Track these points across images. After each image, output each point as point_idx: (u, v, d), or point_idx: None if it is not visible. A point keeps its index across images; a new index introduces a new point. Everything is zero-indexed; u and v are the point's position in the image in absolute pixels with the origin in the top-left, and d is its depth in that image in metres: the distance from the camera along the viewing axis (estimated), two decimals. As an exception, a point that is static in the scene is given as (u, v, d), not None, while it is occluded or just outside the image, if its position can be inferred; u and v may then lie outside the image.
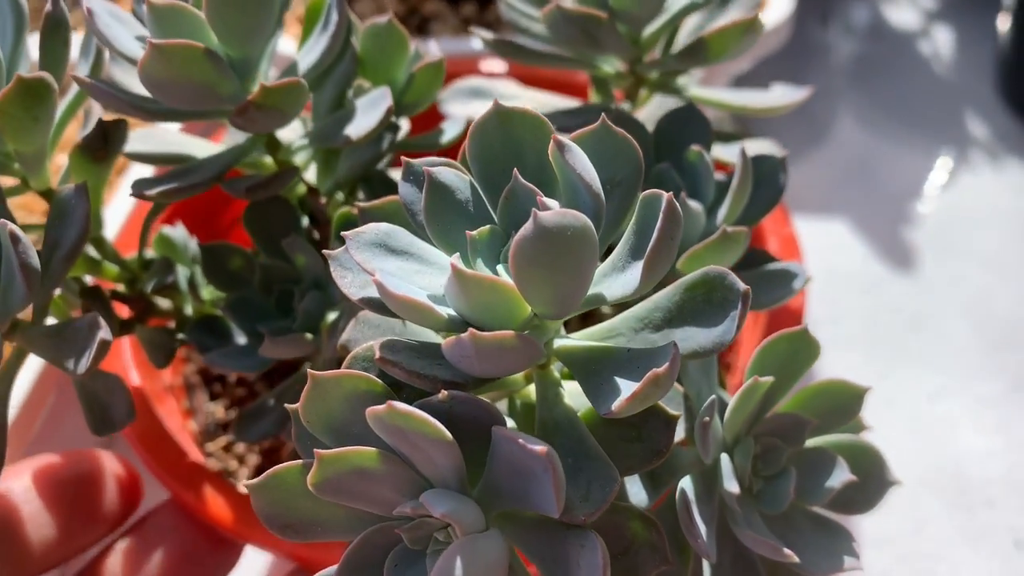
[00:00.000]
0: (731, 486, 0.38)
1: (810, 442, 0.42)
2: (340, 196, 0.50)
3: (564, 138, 0.32)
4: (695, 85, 0.55)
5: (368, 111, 0.43)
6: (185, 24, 0.40)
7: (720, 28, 0.46)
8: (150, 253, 0.51)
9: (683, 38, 0.53)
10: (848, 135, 1.10)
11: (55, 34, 0.43)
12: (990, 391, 0.85)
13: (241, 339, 0.47)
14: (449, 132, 0.51)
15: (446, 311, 0.32)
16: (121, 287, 0.50)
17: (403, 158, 0.36)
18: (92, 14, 0.40)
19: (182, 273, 0.50)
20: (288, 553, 0.50)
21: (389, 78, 0.48)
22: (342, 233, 0.34)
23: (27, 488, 0.49)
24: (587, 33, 0.47)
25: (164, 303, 0.50)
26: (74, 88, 0.47)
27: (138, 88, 0.45)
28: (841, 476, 0.39)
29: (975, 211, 1.01)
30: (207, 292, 0.51)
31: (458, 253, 0.34)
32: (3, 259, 0.38)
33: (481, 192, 0.35)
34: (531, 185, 0.34)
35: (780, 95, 0.54)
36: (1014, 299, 0.93)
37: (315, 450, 0.31)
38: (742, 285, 0.33)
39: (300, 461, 0.33)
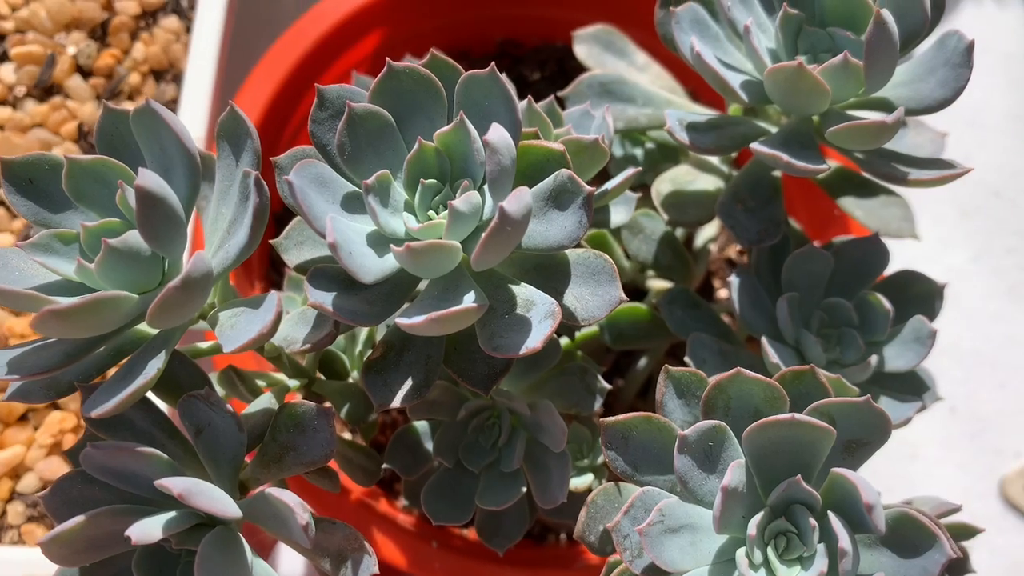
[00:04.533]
0: None
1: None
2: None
3: (874, 502, 0.36)
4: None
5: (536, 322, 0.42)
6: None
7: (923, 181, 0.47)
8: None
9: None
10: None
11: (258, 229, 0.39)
12: (956, 261, 0.96)
13: (428, 445, 0.50)
14: (616, 218, 0.50)
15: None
16: (296, 383, 0.49)
17: (680, 435, 0.39)
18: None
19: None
20: None
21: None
22: (644, 528, 0.38)
23: None
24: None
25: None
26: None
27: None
28: None
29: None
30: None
31: (743, 549, 0.39)
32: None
33: (756, 482, 0.39)
34: (815, 492, 0.38)
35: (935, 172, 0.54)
36: (988, 164, 0.99)
37: None
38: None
39: None
